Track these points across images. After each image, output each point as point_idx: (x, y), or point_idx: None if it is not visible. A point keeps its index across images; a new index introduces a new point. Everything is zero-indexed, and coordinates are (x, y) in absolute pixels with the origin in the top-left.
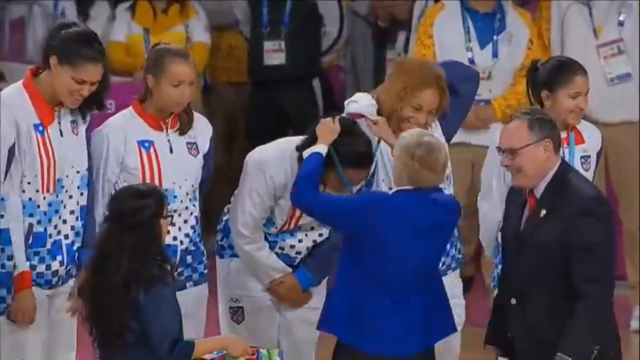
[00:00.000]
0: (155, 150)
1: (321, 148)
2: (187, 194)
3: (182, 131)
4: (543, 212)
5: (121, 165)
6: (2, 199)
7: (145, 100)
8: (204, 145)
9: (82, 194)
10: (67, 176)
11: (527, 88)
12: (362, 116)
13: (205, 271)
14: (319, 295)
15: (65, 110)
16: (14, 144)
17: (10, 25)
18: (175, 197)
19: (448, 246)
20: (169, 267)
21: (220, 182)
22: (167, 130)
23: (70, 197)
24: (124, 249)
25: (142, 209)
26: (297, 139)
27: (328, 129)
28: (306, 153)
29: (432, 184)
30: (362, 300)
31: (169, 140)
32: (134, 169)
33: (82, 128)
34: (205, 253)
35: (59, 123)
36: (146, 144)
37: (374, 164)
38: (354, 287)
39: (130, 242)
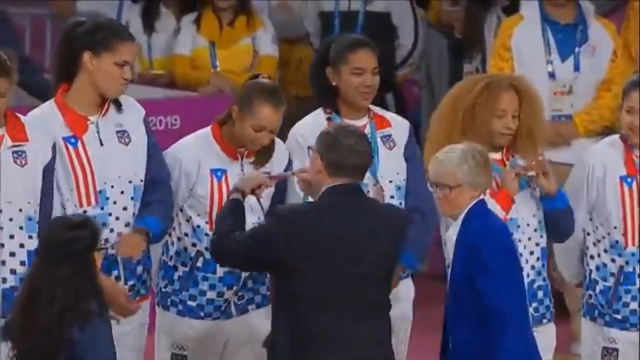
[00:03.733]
0: (227, 181)
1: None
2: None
3: (260, 163)
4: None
5: (190, 191)
6: (30, 219)
7: (224, 124)
8: (280, 170)
9: (135, 205)
10: (112, 187)
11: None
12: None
13: (268, 293)
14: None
15: (108, 120)
16: (50, 160)
17: None
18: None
19: (541, 294)
20: (106, 303)
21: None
22: (242, 160)
23: (125, 208)
24: (57, 282)
25: (76, 241)
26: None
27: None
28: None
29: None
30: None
31: (242, 171)
32: (202, 197)
33: (138, 138)
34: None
35: (98, 132)
36: (219, 173)
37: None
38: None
39: (63, 276)
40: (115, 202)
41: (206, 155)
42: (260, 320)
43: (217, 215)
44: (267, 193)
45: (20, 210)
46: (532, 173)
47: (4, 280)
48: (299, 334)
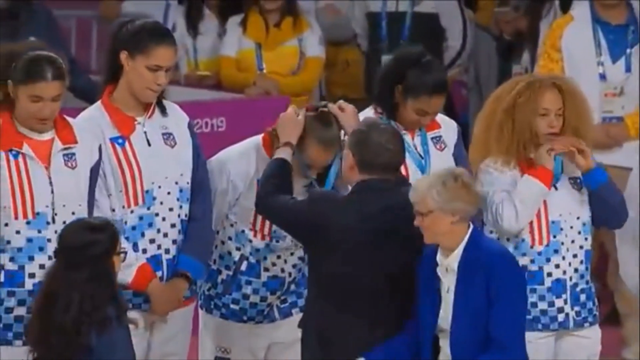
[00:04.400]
0: None
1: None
2: None
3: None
4: None
5: (236, 201)
6: None
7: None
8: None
9: (181, 206)
10: (159, 187)
11: None
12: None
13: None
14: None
15: (154, 122)
16: (97, 161)
17: None
18: None
19: (584, 297)
20: (124, 307)
21: None
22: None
23: (171, 209)
24: (74, 286)
25: (94, 244)
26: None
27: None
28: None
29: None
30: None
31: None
32: (248, 208)
33: (183, 141)
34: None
35: (145, 132)
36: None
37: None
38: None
39: (80, 280)
40: (162, 203)
41: (256, 167)
42: None
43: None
44: None
45: (73, 213)
46: (566, 149)
47: None
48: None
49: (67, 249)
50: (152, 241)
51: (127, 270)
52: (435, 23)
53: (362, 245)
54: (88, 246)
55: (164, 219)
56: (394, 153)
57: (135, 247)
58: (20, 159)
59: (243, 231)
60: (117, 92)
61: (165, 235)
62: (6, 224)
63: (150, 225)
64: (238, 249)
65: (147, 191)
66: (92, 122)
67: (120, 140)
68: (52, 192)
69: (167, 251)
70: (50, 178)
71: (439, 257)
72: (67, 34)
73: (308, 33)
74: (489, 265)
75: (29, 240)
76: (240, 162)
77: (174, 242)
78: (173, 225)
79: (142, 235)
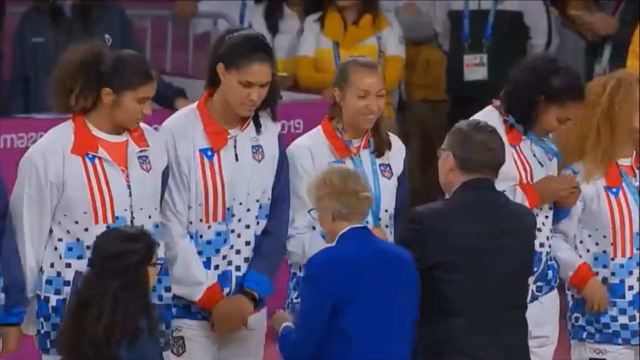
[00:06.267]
0: None
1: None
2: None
3: (380, 153)
4: None
5: None
6: (157, 226)
7: (334, 118)
8: (398, 168)
9: (258, 223)
10: (240, 204)
11: None
12: None
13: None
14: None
15: (246, 134)
16: (166, 167)
17: (195, 42)
18: (366, 223)
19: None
20: (157, 319)
21: (414, 207)
22: (358, 153)
23: (248, 226)
24: (106, 296)
25: (128, 254)
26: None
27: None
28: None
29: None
30: None
31: (361, 163)
32: None
33: (271, 153)
34: None
35: (235, 147)
36: None
37: None
38: None
39: (114, 289)
40: (240, 220)
41: (319, 153)
42: None
43: None
44: None
45: (150, 216)
46: None
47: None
48: (434, 337)
49: (101, 258)
50: (224, 257)
51: (197, 288)
52: (519, 21)
53: (480, 249)
54: (123, 255)
55: (239, 235)
56: (496, 152)
57: (207, 262)
58: (96, 162)
59: (324, 237)
60: (215, 99)
61: (238, 252)
62: (86, 229)
63: (225, 241)
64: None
65: (228, 208)
66: (186, 127)
67: (209, 153)
68: (130, 195)
69: (237, 268)
70: (128, 181)
71: None
72: (142, 34)
73: (387, 31)
74: None
75: None
76: (308, 151)
77: (246, 259)
78: (247, 243)
79: (217, 251)
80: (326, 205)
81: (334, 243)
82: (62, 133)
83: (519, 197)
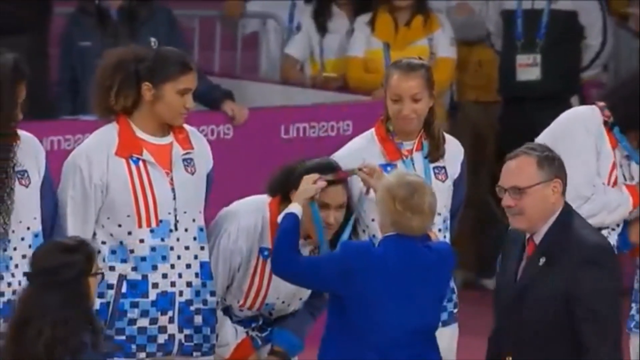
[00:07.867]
0: None
1: (296, 208)
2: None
3: (433, 158)
4: (542, 260)
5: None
6: (202, 230)
7: (389, 119)
8: (454, 170)
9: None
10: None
11: None
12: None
13: (455, 310)
14: None
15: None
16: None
17: (244, 42)
18: None
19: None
20: (101, 332)
21: (465, 209)
22: (411, 156)
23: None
24: (46, 312)
25: (67, 266)
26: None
27: (308, 187)
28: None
29: (418, 227)
30: (351, 358)
31: (413, 166)
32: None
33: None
34: (455, 290)
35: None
36: (388, 169)
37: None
38: (343, 345)
39: (54, 304)
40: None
41: (370, 156)
42: None
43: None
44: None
45: (194, 220)
46: None
47: (181, 293)
48: None
49: (39, 271)
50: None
51: (225, 348)
52: (574, 21)
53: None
54: (61, 268)
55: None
56: None
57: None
58: (140, 165)
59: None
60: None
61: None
62: (129, 232)
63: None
64: None
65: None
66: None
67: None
68: (175, 198)
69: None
70: (172, 184)
71: None
72: (190, 34)
73: (439, 33)
74: None
75: (153, 249)
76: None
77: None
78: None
79: None
80: (389, 220)
81: (377, 244)
82: (106, 135)
83: (617, 194)
